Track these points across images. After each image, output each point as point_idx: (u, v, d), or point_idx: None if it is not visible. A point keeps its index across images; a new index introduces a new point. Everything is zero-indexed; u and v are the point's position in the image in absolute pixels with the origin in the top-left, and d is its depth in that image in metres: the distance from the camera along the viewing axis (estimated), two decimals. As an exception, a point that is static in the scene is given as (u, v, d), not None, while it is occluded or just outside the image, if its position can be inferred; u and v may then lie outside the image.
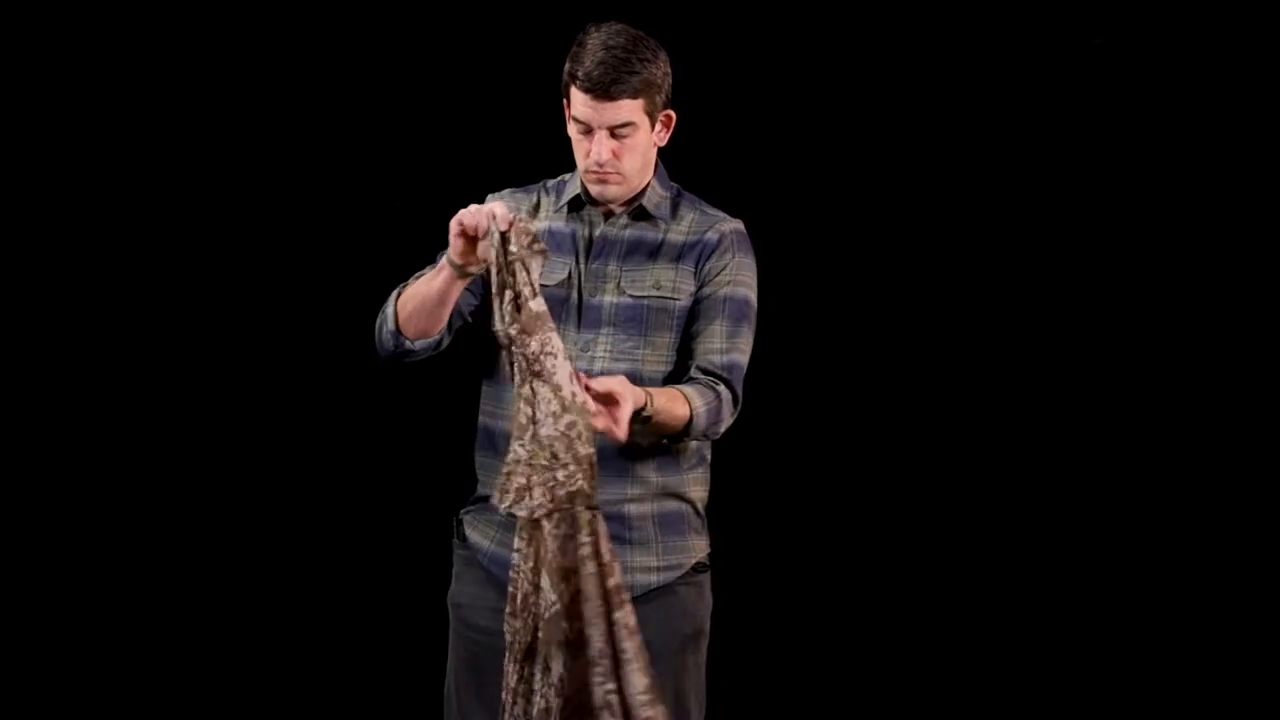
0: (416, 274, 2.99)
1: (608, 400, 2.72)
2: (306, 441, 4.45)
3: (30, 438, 4.42)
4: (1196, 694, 4.38)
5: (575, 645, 2.69)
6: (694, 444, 3.04)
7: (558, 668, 2.70)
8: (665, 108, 3.00)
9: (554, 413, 2.69)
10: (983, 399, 4.40)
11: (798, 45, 4.37)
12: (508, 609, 2.72)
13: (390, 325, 2.95)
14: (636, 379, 2.93)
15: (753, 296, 3.06)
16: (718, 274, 3.02)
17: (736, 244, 3.05)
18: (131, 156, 4.40)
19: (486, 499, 3.02)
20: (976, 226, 4.38)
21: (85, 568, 4.44)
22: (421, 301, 2.90)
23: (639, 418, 2.82)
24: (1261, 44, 4.27)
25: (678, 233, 3.05)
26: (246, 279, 4.43)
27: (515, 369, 2.71)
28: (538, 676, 2.70)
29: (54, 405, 4.42)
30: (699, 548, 3.09)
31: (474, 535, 3.07)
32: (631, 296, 3.01)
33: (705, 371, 2.97)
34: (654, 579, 3.02)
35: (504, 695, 2.72)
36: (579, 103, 2.94)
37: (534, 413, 2.69)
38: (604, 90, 2.91)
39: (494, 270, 2.72)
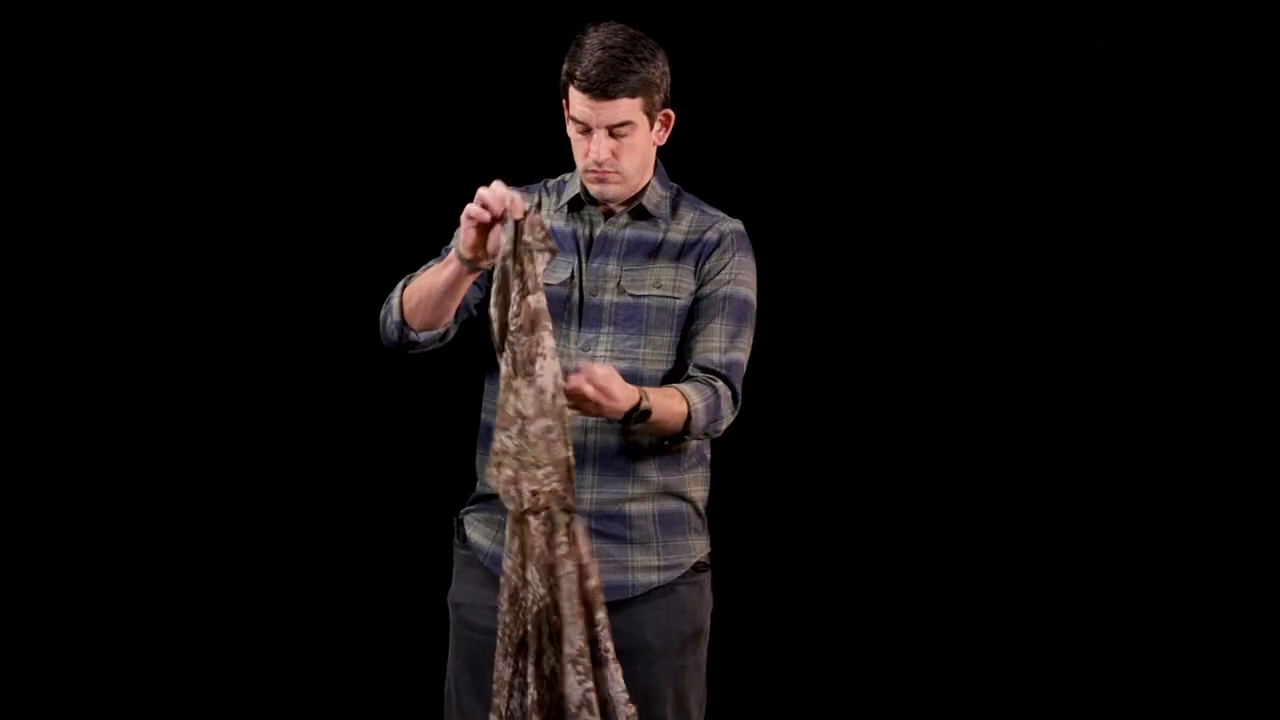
0: (425, 265, 3.00)
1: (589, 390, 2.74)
2: (306, 441, 4.44)
3: (22, 430, 4.42)
4: (1196, 694, 4.38)
5: (560, 641, 2.71)
6: (694, 443, 3.05)
7: (549, 661, 2.71)
8: (664, 107, 3.01)
9: (535, 414, 2.70)
10: (983, 399, 4.40)
11: (797, 45, 4.36)
12: (500, 603, 2.73)
13: (395, 316, 2.96)
14: (636, 378, 2.94)
15: (752, 296, 3.06)
16: (718, 273, 3.03)
17: (736, 243, 3.05)
18: (131, 154, 4.40)
19: (487, 498, 3.03)
20: (976, 226, 4.38)
21: (84, 568, 4.43)
22: (428, 293, 2.91)
23: (636, 414, 2.83)
24: (1262, 44, 4.27)
25: (677, 232, 3.05)
26: (246, 278, 4.43)
27: (504, 359, 2.72)
28: (530, 670, 2.72)
29: (53, 404, 4.42)
30: (699, 547, 3.09)
31: (474, 535, 3.08)
32: (632, 296, 3.01)
33: (704, 369, 2.98)
34: (654, 578, 3.02)
35: (495, 687, 2.73)
36: (577, 102, 2.94)
37: (522, 408, 2.70)
38: (602, 89, 2.91)
39: (500, 257, 2.73)
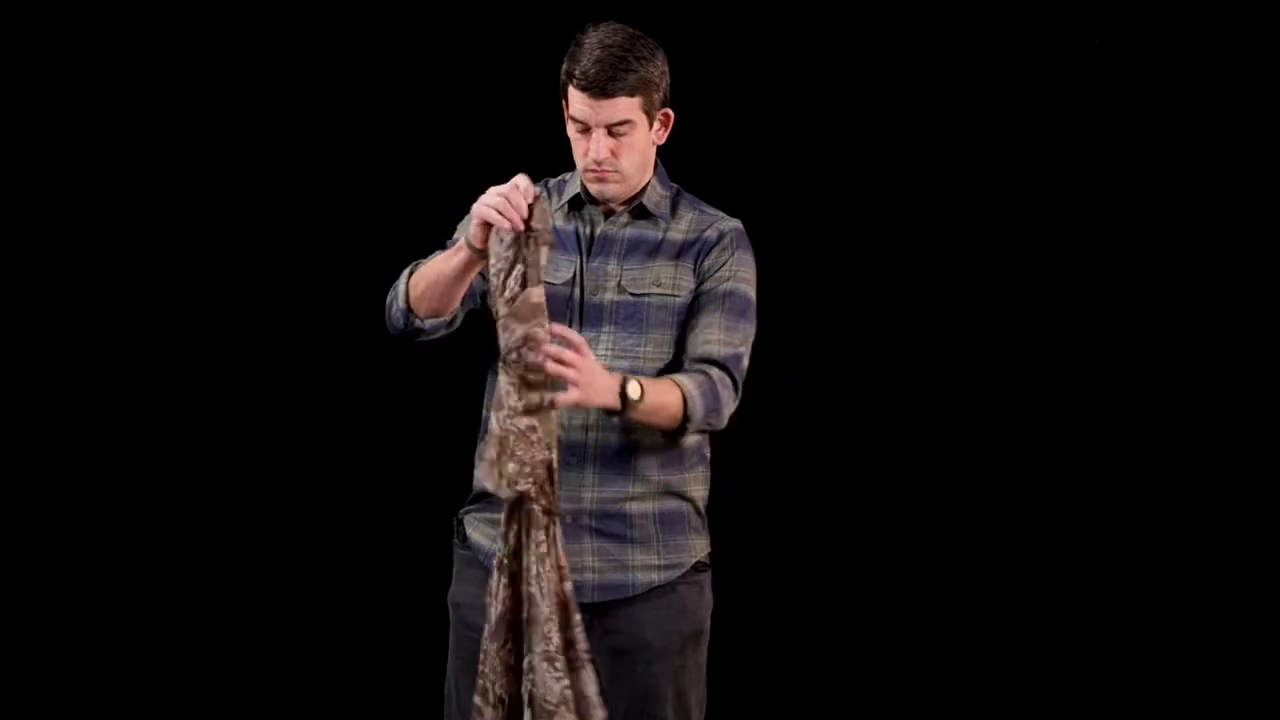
0: (431, 254, 3.00)
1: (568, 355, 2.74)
2: (306, 441, 4.44)
3: (22, 430, 4.42)
4: (1197, 694, 4.37)
5: (534, 635, 2.73)
6: (695, 442, 3.05)
7: (540, 646, 2.74)
8: (663, 106, 3.01)
9: (522, 410, 2.71)
10: (983, 398, 4.40)
11: (797, 45, 4.36)
12: (487, 592, 2.76)
13: (401, 303, 2.97)
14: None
15: (752, 293, 3.06)
16: (717, 270, 3.03)
17: (736, 241, 3.06)
18: (131, 154, 4.40)
19: (486, 496, 3.03)
20: (977, 226, 4.38)
21: (82, 568, 4.43)
22: (435, 281, 2.91)
23: (625, 398, 2.82)
24: (1262, 44, 4.27)
25: (677, 231, 3.06)
26: (246, 278, 4.43)
27: (500, 345, 2.73)
28: (512, 656, 2.75)
29: (51, 402, 4.42)
30: (699, 547, 3.09)
31: (474, 535, 3.08)
32: (632, 295, 3.01)
33: (701, 361, 2.97)
34: (655, 577, 3.02)
35: (481, 667, 2.76)
36: (576, 101, 2.95)
37: (514, 401, 2.72)
38: (601, 89, 2.92)
39: (507, 242, 2.74)
